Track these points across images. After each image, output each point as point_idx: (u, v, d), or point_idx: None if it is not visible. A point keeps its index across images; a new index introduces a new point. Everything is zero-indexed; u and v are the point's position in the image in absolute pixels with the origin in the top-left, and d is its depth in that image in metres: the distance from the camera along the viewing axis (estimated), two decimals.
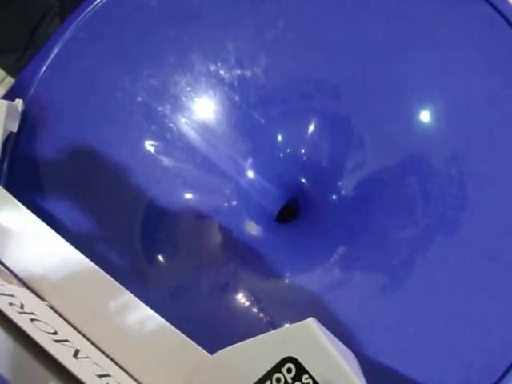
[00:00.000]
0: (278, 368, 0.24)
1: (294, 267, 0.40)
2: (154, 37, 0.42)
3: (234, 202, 0.41)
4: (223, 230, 0.40)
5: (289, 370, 0.24)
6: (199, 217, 0.40)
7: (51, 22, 0.74)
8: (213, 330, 0.36)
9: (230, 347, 0.25)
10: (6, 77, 0.83)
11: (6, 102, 0.35)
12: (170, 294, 0.39)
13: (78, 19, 0.42)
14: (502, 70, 0.37)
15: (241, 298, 0.38)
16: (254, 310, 0.38)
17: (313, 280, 0.39)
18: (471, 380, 0.33)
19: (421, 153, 0.37)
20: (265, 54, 0.41)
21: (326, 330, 0.25)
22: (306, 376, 0.23)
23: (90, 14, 0.42)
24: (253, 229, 0.41)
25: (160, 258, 0.40)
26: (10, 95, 0.40)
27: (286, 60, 0.41)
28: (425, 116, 0.38)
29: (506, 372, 0.32)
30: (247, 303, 0.38)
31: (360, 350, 0.34)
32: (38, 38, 0.72)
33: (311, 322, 0.24)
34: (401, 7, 0.39)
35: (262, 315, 0.38)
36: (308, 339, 0.24)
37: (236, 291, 0.39)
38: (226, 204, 0.41)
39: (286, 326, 0.25)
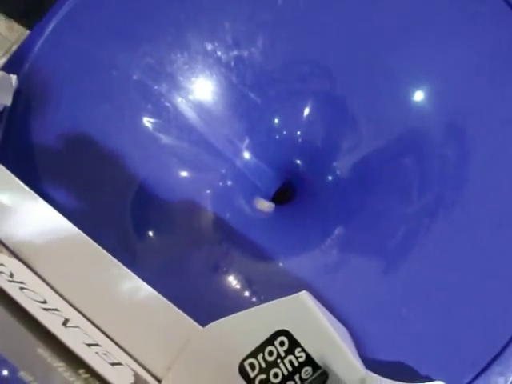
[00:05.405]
0: (270, 341, 0.24)
1: (289, 250, 0.40)
2: (151, 15, 0.41)
3: (229, 182, 0.41)
4: (217, 209, 0.40)
5: (281, 343, 0.23)
6: (193, 195, 0.40)
7: None
8: (201, 311, 0.36)
9: (222, 319, 0.24)
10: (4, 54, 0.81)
11: None
12: (160, 271, 0.38)
13: None
14: (500, 49, 0.37)
15: (232, 279, 0.38)
16: (246, 292, 0.38)
17: (307, 263, 0.38)
18: (465, 361, 0.33)
19: (417, 133, 0.37)
20: (262, 35, 0.40)
21: (319, 303, 0.25)
22: (298, 349, 0.23)
23: None
24: (264, 206, 0.41)
25: (151, 234, 0.39)
26: (4, 70, 0.40)
27: (283, 41, 0.41)
28: (420, 96, 0.38)
29: (499, 355, 0.32)
30: (239, 285, 0.38)
31: (354, 333, 0.34)
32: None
33: (304, 295, 0.24)
34: None
35: (254, 299, 0.38)
36: (301, 312, 0.23)
37: (227, 272, 0.38)
38: (220, 183, 0.41)
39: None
